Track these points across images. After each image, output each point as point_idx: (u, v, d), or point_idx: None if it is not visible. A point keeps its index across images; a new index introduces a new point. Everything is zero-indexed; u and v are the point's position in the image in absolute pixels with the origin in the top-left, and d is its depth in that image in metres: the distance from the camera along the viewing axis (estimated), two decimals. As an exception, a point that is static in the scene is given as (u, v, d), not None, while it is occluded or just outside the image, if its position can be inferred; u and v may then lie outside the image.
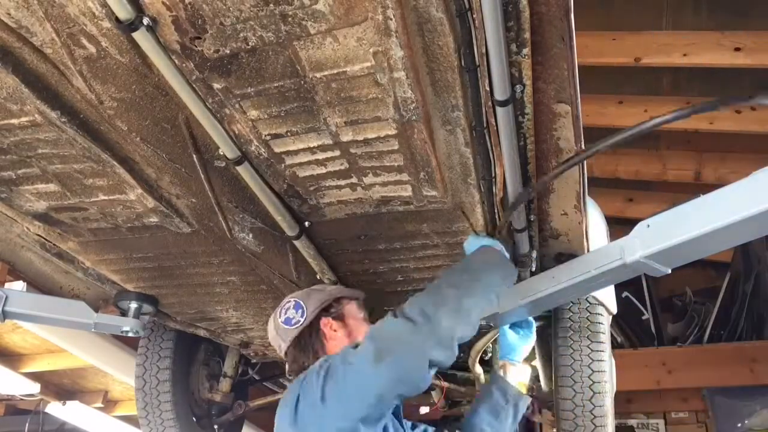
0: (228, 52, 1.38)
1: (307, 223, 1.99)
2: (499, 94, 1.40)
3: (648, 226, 1.75)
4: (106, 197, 1.89)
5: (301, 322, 1.95)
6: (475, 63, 1.39)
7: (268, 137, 1.63)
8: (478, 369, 2.88)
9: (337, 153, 1.69)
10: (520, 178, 1.70)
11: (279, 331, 1.99)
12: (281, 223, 1.95)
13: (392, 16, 1.28)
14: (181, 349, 3.03)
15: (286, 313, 1.98)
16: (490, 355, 2.90)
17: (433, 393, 3.21)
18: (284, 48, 1.37)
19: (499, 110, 1.44)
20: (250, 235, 2.09)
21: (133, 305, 2.43)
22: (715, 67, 4.06)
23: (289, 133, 1.62)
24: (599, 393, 2.45)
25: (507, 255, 1.96)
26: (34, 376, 5.32)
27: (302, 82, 1.45)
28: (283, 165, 1.74)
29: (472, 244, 1.94)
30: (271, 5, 1.26)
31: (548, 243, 2.13)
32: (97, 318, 2.42)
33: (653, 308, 5.64)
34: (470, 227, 1.98)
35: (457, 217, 1.94)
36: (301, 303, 1.99)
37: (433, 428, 2.04)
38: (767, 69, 3.98)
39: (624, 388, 4.32)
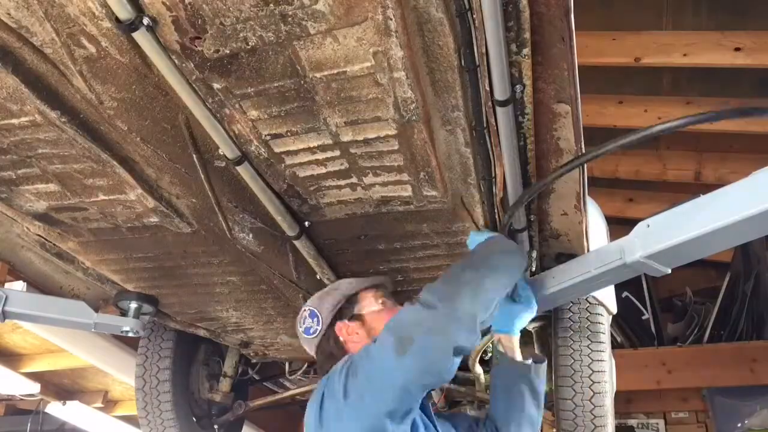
0: (228, 52, 1.38)
1: (307, 223, 1.99)
2: (499, 94, 1.40)
3: (648, 226, 1.75)
4: (106, 197, 1.89)
5: (318, 331, 1.91)
6: (475, 63, 1.39)
7: (268, 137, 1.63)
8: (478, 369, 2.88)
9: (337, 153, 1.69)
10: (520, 178, 1.70)
11: (302, 340, 1.98)
12: (281, 223, 1.94)
13: (392, 16, 1.28)
14: (181, 349, 3.03)
15: (304, 323, 1.95)
16: (490, 354, 2.90)
17: (433, 393, 3.21)
18: (284, 48, 1.37)
19: (499, 110, 1.44)
20: (250, 235, 2.09)
21: (133, 305, 2.43)
22: (715, 67, 4.06)
23: (289, 133, 1.62)
24: (599, 393, 2.45)
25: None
26: (34, 376, 5.32)
27: (302, 82, 1.45)
28: (283, 165, 1.74)
29: (474, 239, 1.90)
30: (271, 5, 1.26)
31: (548, 243, 2.13)
32: (97, 318, 2.42)
33: (653, 308, 5.64)
34: (471, 225, 1.98)
35: (457, 217, 1.94)
36: (316, 311, 1.94)
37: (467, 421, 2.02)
38: (767, 69, 3.98)
39: (624, 388, 4.32)
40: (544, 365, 2.03)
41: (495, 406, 2.03)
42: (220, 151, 1.68)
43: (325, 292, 2.02)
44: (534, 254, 2.11)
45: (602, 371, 2.47)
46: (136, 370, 3.00)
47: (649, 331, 5.57)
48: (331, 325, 1.91)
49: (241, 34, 1.34)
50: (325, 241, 2.11)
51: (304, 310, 1.98)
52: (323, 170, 1.76)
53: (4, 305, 2.30)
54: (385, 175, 1.76)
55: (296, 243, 2.05)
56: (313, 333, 1.92)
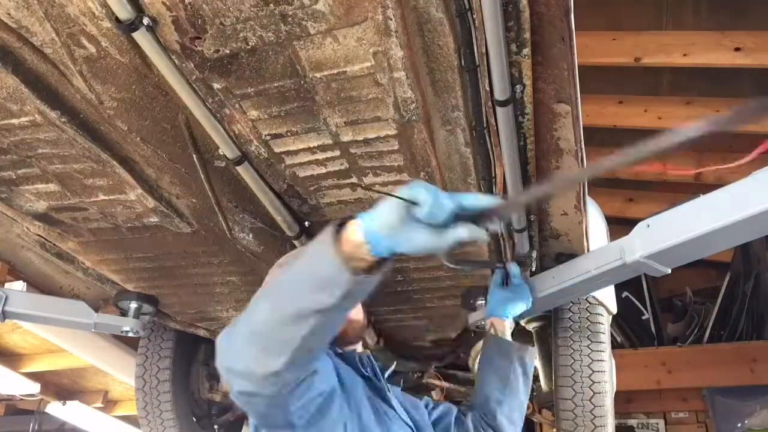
0: (228, 52, 1.38)
1: (307, 223, 1.99)
2: (499, 94, 1.40)
3: (648, 226, 1.75)
4: (106, 197, 1.89)
5: None
6: (475, 63, 1.39)
7: (268, 137, 1.63)
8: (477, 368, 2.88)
9: (337, 153, 1.69)
10: (520, 178, 1.70)
11: None
12: (281, 223, 1.94)
13: (392, 16, 1.28)
14: (181, 349, 3.03)
15: None
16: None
17: (433, 393, 3.21)
18: (284, 48, 1.37)
19: (499, 110, 1.44)
20: (250, 235, 2.09)
21: (133, 305, 2.43)
22: (715, 67, 4.06)
23: (289, 133, 1.62)
24: (599, 393, 2.45)
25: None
26: (34, 376, 5.33)
27: (302, 82, 1.45)
28: (283, 165, 1.74)
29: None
30: (271, 5, 1.26)
31: (548, 243, 2.13)
32: (97, 318, 2.42)
33: (653, 308, 5.64)
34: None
35: (457, 217, 1.94)
36: None
37: (443, 404, 1.96)
38: (767, 69, 3.98)
39: (624, 388, 4.32)
40: (535, 350, 2.03)
41: (485, 390, 1.97)
42: (220, 151, 1.68)
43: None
44: (534, 254, 2.11)
45: (602, 371, 2.47)
46: (136, 370, 3.00)
47: (649, 331, 5.56)
48: None
49: (241, 34, 1.34)
50: (325, 241, 2.10)
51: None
52: (323, 170, 1.76)
53: (4, 305, 2.30)
54: (385, 175, 1.76)
55: (296, 243, 2.05)
56: None
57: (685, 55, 3.97)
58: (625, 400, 5.21)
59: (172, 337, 2.98)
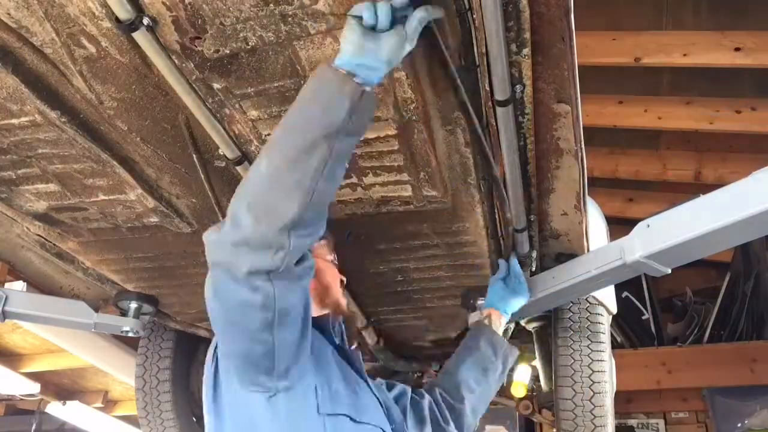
0: (228, 52, 1.38)
1: (307, 223, 1.99)
2: (499, 94, 1.40)
3: (648, 226, 1.76)
4: (106, 197, 1.89)
5: None
6: (475, 63, 1.39)
7: (268, 137, 1.63)
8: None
9: (337, 153, 1.68)
10: (520, 178, 1.70)
11: None
12: (281, 223, 1.94)
13: (392, 16, 1.27)
14: (181, 349, 3.03)
15: None
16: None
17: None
18: (284, 48, 1.37)
19: (499, 110, 1.44)
20: (250, 235, 2.08)
21: (133, 305, 2.43)
22: (715, 67, 4.06)
23: (289, 133, 1.62)
24: (599, 393, 2.45)
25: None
26: (34, 376, 5.33)
27: (302, 82, 1.45)
28: (283, 165, 1.74)
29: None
30: (271, 5, 1.26)
31: (548, 243, 2.13)
32: (97, 318, 2.42)
33: (653, 308, 5.64)
34: (471, 226, 1.98)
35: (457, 217, 1.94)
36: None
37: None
38: (767, 69, 3.98)
39: (624, 388, 4.32)
40: (517, 352, 2.05)
41: (461, 373, 1.95)
42: (220, 151, 1.68)
43: None
44: (534, 254, 2.11)
45: (602, 371, 2.47)
46: (136, 370, 3.00)
47: (649, 331, 5.57)
48: None
49: (241, 34, 1.34)
50: (325, 241, 2.11)
51: None
52: (323, 170, 1.76)
53: (4, 305, 2.30)
54: (385, 175, 1.76)
55: (296, 243, 2.04)
56: None
57: (685, 55, 3.98)
58: (625, 400, 5.22)
59: (172, 337, 2.98)
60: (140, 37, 1.30)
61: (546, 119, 1.59)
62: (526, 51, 1.36)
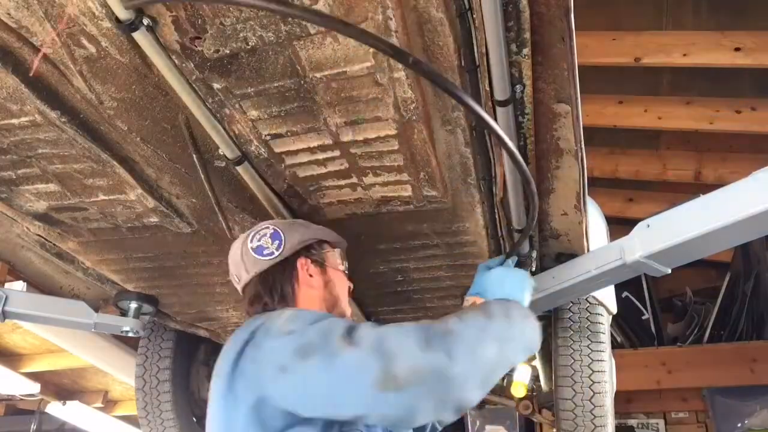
0: (228, 52, 1.38)
1: (307, 223, 1.99)
2: (499, 94, 1.40)
3: (648, 226, 1.75)
4: (106, 197, 1.89)
5: (274, 255, 1.65)
6: (475, 63, 1.39)
7: (268, 137, 1.63)
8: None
9: (337, 153, 1.68)
10: (520, 178, 1.70)
11: (245, 257, 1.67)
12: (281, 223, 1.94)
13: (392, 16, 1.28)
14: (181, 349, 3.03)
15: (259, 240, 1.67)
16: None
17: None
18: (284, 48, 1.37)
19: (499, 110, 1.44)
20: (250, 235, 2.09)
21: (133, 305, 2.44)
22: (715, 67, 4.06)
23: (289, 133, 1.62)
24: (599, 393, 2.45)
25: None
26: (34, 376, 5.33)
27: (302, 82, 1.45)
28: (283, 165, 1.74)
29: (484, 276, 1.71)
30: (271, 5, 1.26)
31: (548, 243, 2.13)
32: (97, 318, 2.42)
33: (653, 308, 5.64)
34: (471, 226, 1.98)
35: (457, 217, 1.94)
36: (281, 233, 1.68)
37: None
38: (767, 69, 3.98)
39: (624, 388, 4.32)
40: None
41: None
42: (220, 151, 1.68)
43: (297, 222, 1.82)
44: (534, 254, 2.11)
45: (602, 371, 2.47)
46: (136, 370, 3.00)
47: (649, 331, 5.57)
48: (294, 255, 1.68)
49: (241, 34, 1.34)
50: (325, 241, 2.11)
51: (266, 227, 1.71)
52: (323, 170, 1.76)
53: (4, 305, 2.30)
54: (385, 175, 1.76)
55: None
56: (267, 255, 1.65)
57: (685, 55, 3.97)
58: (625, 400, 5.22)
59: (172, 337, 2.98)
60: (140, 37, 1.30)
61: (546, 119, 1.59)
62: (526, 51, 1.36)
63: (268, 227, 1.71)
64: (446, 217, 1.94)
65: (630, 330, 5.51)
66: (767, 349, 5.02)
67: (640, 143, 5.14)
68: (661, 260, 1.75)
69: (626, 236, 1.81)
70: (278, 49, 1.37)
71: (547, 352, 2.75)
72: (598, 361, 2.47)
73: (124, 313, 2.46)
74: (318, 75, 1.43)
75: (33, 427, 6.11)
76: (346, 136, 1.62)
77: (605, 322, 2.58)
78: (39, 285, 2.54)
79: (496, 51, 1.29)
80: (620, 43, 4.09)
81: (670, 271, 1.80)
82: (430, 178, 1.75)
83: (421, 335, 1.29)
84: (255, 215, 2.01)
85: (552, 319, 2.61)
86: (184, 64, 1.40)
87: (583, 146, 1.68)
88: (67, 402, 5.74)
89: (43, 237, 2.13)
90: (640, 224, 1.78)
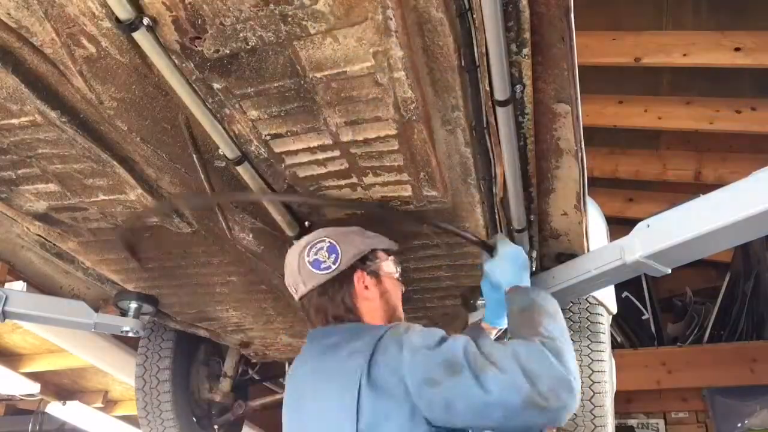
0: (228, 52, 1.38)
1: (307, 223, 1.99)
2: (499, 94, 1.40)
3: (648, 226, 1.75)
4: (106, 197, 1.89)
5: (331, 270, 1.68)
6: (475, 63, 1.39)
7: (268, 137, 1.63)
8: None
9: (337, 153, 1.68)
10: (520, 178, 1.70)
11: (303, 271, 1.71)
12: (281, 223, 1.94)
13: (392, 16, 1.28)
14: (181, 349, 3.03)
15: (316, 254, 1.70)
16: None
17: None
18: (284, 48, 1.37)
19: (499, 110, 1.44)
20: (250, 235, 2.09)
21: (133, 305, 2.43)
22: (715, 67, 4.06)
23: (289, 133, 1.62)
24: (599, 393, 2.45)
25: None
26: (34, 376, 5.32)
27: (302, 82, 1.45)
28: (283, 165, 1.74)
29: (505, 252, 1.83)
30: (271, 5, 1.26)
31: (548, 243, 2.13)
32: (97, 318, 2.42)
33: (653, 308, 5.65)
34: (471, 226, 1.97)
35: (457, 217, 1.94)
36: (337, 247, 1.71)
37: None
38: (767, 69, 3.98)
39: (624, 388, 4.32)
40: None
41: None
42: (220, 151, 1.68)
43: (351, 231, 1.80)
44: (534, 254, 2.11)
45: (602, 371, 2.47)
46: (136, 370, 3.00)
47: (649, 331, 5.57)
48: (351, 269, 1.72)
49: (241, 34, 1.34)
50: (325, 241, 2.10)
51: (321, 240, 1.73)
52: (323, 170, 1.76)
53: (4, 305, 2.30)
54: (385, 175, 1.76)
55: (296, 243, 2.04)
56: (324, 270, 1.69)
57: (685, 55, 3.98)
58: (625, 400, 5.22)
59: (172, 337, 2.98)
60: (140, 37, 1.30)
61: (546, 119, 1.59)
62: (526, 51, 1.36)
63: (324, 240, 1.74)
64: (446, 217, 1.94)
65: (630, 330, 5.51)
66: (767, 349, 5.03)
67: (640, 143, 5.15)
68: (661, 260, 1.75)
69: (626, 236, 1.81)
70: (278, 49, 1.37)
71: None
72: (598, 361, 2.47)
73: (124, 313, 2.46)
74: (318, 75, 1.43)
75: (33, 427, 6.11)
76: (346, 136, 1.62)
77: (605, 322, 2.59)
78: (39, 285, 2.54)
79: (496, 51, 1.29)
80: (620, 43, 4.09)
81: (670, 271, 1.80)
82: (430, 178, 1.75)
83: (549, 355, 1.44)
84: (255, 215, 2.01)
85: (552, 319, 2.61)
86: (184, 64, 1.40)
87: (583, 146, 1.68)
88: (67, 402, 5.73)
89: (43, 237, 2.13)
90: (640, 224, 1.78)
